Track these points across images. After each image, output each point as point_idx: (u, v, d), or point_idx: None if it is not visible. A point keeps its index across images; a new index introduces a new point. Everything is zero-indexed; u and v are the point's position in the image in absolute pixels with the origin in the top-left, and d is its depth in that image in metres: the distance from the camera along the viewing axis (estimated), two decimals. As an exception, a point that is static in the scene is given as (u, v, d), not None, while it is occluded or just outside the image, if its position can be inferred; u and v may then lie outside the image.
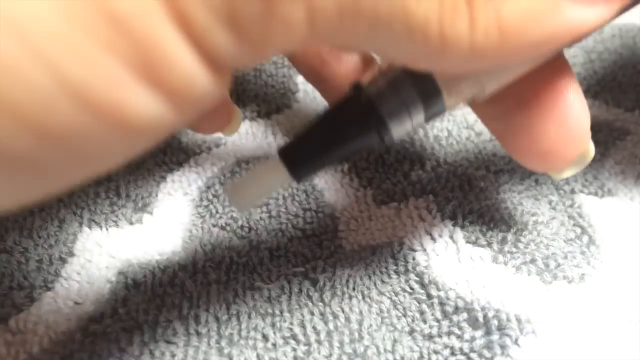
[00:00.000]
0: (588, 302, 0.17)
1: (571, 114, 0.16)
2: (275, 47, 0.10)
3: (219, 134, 0.23)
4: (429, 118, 0.14)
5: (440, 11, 0.11)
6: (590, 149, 0.17)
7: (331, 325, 0.17)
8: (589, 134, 0.16)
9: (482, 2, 0.11)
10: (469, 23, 0.11)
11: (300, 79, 0.26)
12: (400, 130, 0.14)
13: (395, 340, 0.16)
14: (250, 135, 0.24)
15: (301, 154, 0.14)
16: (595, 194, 0.21)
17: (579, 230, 0.20)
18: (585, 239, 0.19)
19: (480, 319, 0.16)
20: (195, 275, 0.18)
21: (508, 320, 0.16)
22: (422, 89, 0.14)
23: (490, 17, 0.11)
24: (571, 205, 0.20)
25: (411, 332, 0.17)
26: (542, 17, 0.12)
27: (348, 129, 0.14)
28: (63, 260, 0.19)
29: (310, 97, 0.26)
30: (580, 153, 0.16)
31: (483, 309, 0.17)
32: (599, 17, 0.13)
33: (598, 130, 0.24)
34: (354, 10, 0.10)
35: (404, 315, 0.17)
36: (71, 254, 0.19)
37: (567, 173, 0.16)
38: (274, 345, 0.16)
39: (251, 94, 0.26)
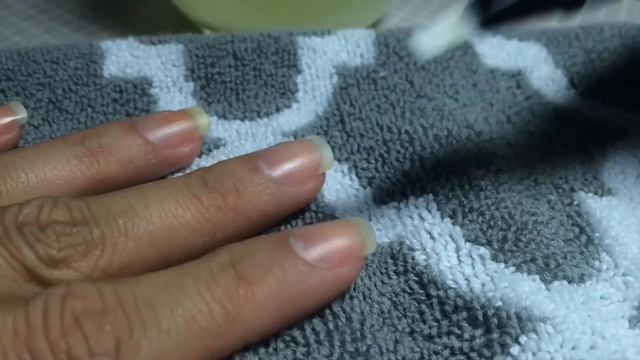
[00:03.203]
0: (588, 302, 0.17)
1: None
2: None
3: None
4: None
5: None
6: None
7: (331, 325, 0.16)
8: None
9: None
10: None
11: (300, 79, 0.26)
12: None
13: (396, 341, 0.16)
14: (250, 135, 0.24)
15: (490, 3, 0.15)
16: (595, 194, 0.21)
17: (577, 230, 0.20)
18: (583, 238, 0.19)
19: (480, 318, 0.16)
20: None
21: (508, 318, 0.16)
22: None
23: None
24: (570, 205, 0.20)
25: (412, 333, 0.17)
26: None
27: None
28: None
29: (310, 96, 0.26)
30: None
31: (483, 307, 0.17)
32: None
33: (598, 130, 0.24)
34: None
35: (404, 316, 0.17)
36: None
37: None
38: (275, 349, 0.16)
39: (251, 94, 0.26)
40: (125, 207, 0.17)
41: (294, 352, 0.16)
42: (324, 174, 0.20)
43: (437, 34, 0.16)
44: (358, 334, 0.16)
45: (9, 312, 0.13)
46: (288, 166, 0.19)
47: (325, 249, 0.16)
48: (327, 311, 0.17)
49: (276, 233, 0.17)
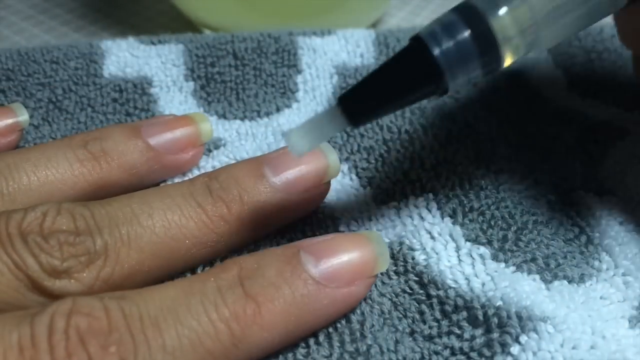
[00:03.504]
0: (588, 302, 0.17)
1: None
2: None
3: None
4: (486, 73, 0.15)
5: None
6: None
7: (330, 327, 0.17)
8: None
9: None
10: None
11: (300, 79, 0.26)
12: (456, 82, 0.15)
13: (397, 341, 0.16)
14: (250, 135, 0.24)
15: (359, 101, 0.15)
16: (595, 194, 0.21)
17: (577, 230, 0.20)
18: (583, 238, 0.19)
19: (480, 317, 0.16)
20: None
21: (509, 317, 0.16)
22: (482, 46, 0.15)
23: None
24: (570, 205, 0.20)
25: (412, 333, 0.17)
26: None
27: (405, 79, 0.15)
28: None
29: (310, 96, 0.26)
30: None
31: (483, 306, 0.17)
32: None
33: (598, 130, 0.24)
34: None
35: (405, 317, 0.17)
36: None
37: None
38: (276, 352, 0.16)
39: (251, 94, 0.26)
40: (129, 216, 0.17)
41: (294, 353, 0.16)
42: (329, 182, 0.20)
43: (309, 132, 0.15)
44: (358, 334, 0.16)
45: (14, 328, 0.13)
46: (294, 174, 0.19)
47: (336, 267, 0.16)
48: None
49: (286, 246, 0.17)
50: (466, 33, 0.14)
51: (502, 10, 0.14)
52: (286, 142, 0.15)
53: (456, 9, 0.15)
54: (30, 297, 0.15)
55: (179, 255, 0.17)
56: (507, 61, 0.15)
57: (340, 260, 0.16)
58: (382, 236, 0.17)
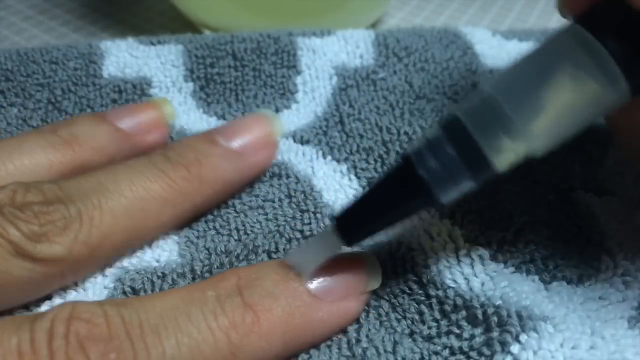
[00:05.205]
0: (587, 302, 0.17)
1: None
2: None
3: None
4: (480, 184, 0.15)
5: None
6: None
7: (327, 340, 0.17)
8: None
9: None
10: None
11: (299, 80, 0.26)
12: (449, 197, 0.15)
13: (395, 342, 0.16)
14: (249, 136, 0.24)
15: (354, 222, 0.16)
16: (594, 194, 0.21)
17: (576, 231, 0.19)
18: (582, 239, 0.19)
19: (480, 316, 0.16)
20: (194, 282, 0.18)
21: (509, 316, 0.16)
22: (470, 161, 0.15)
23: None
24: (569, 205, 0.20)
25: (411, 334, 0.17)
26: None
27: (397, 199, 0.16)
28: None
29: (309, 97, 0.26)
30: None
31: (482, 305, 0.17)
32: None
33: (598, 130, 0.24)
34: None
35: (404, 318, 0.17)
36: None
37: None
38: None
39: (250, 94, 0.26)
40: (96, 185, 0.18)
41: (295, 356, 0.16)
42: (277, 141, 0.22)
43: (308, 253, 0.16)
44: (354, 340, 0.16)
45: (13, 333, 0.13)
46: (244, 138, 0.21)
47: (331, 282, 0.16)
48: None
49: (282, 259, 0.17)
50: (451, 151, 0.15)
51: (493, 130, 0.14)
52: (288, 261, 0.17)
53: (443, 125, 0.15)
54: (15, 263, 0.16)
55: (150, 215, 0.18)
56: (503, 166, 0.15)
57: (335, 276, 0.17)
58: (374, 257, 0.18)
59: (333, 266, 0.17)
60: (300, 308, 0.16)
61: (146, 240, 0.19)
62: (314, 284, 0.16)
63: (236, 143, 0.21)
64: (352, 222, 0.16)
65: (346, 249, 0.17)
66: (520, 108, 0.14)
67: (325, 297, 0.16)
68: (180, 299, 0.15)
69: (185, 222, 0.20)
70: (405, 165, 0.15)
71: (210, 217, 0.20)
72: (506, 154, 0.15)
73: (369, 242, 0.19)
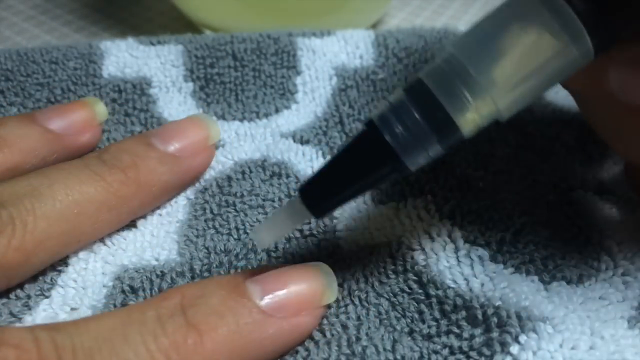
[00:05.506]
0: (587, 302, 0.17)
1: None
2: None
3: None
4: (447, 148, 0.14)
5: None
6: None
7: (328, 334, 0.17)
8: None
9: None
10: None
11: (299, 80, 0.26)
12: (416, 163, 0.14)
13: (395, 341, 0.16)
14: (249, 136, 0.24)
15: (320, 192, 0.15)
16: (594, 194, 0.21)
17: (576, 231, 0.19)
18: (582, 239, 0.19)
19: (480, 317, 0.16)
20: (193, 281, 0.18)
21: (508, 317, 0.16)
22: (436, 122, 0.14)
23: None
24: (569, 205, 0.20)
25: (411, 332, 0.17)
26: None
27: (363, 166, 0.15)
28: (59, 271, 0.18)
29: (309, 98, 0.26)
30: None
31: (482, 306, 0.17)
32: None
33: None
34: None
35: (403, 316, 0.17)
36: (66, 264, 0.19)
37: None
38: None
39: (250, 94, 0.26)
40: (28, 189, 0.17)
41: (294, 357, 0.16)
42: (214, 145, 0.22)
43: (273, 227, 0.16)
44: (354, 338, 0.16)
45: None
46: (180, 142, 0.20)
47: (282, 297, 0.16)
48: (324, 321, 0.17)
49: (232, 275, 0.17)
50: (416, 114, 0.14)
51: (455, 88, 0.14)
52: (252, 237, 0.16)
53: (406, 88, 0.14)
54: None
55: (86, 220, 0.18)
56: (469, 127, 0.14)
57: (287, 291, 0.16)
58: (329, 268, 0.17)
59: (285, 280, 0.16)
60: (248, 326, 0.15)
61: (83, 245, 0.19)
62: (265, 300, 0.15)
63: (172, 147, 0.20)
64: (318, 193, 0.15)
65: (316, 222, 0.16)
66: (481, 64, 0.14)
67: (277, 313, 0.15)
68: (118, 320, 0.14)
69: (123, 225, 0.20)
70: (369, 131, 0.15)
71: (210, 215, 0.20)
72: (471, 114, 0.14)
73: (368, 242, 0.19)
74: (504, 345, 0.16)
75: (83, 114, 0.22)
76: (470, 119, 0.14)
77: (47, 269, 0.18)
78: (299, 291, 0.16)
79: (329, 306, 0.17)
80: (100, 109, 0.23)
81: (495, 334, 0.16)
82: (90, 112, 0.22)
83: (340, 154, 0.15)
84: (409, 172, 0.15)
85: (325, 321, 0.17)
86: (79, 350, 0.13)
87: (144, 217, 0.21)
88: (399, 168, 0.14)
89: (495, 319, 0.16)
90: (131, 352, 0.14)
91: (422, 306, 0.17)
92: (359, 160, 0.15)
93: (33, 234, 0.17)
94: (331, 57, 0.27)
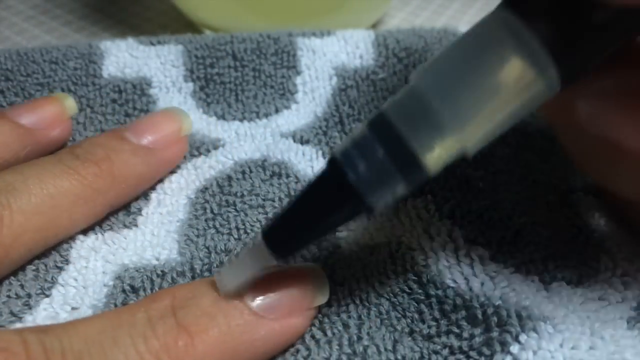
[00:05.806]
0: (587, 302, 0.17)
1: None
2: None
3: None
4: (411, 188, 0.14)
5: None
6: None
7: (329, 333, 0.17)
8: None
9: None
10: None
11: (299, 80, 0.26)
12: (382, 203, 0.14)
13: (395, 341, 0.16)
14: (249, 136, 0.24)
15: (283, 234, 0.15)
16: (594, 195, 0.21)
17: (576, 231, 0.19)
18: (582, 239, 0.19)
19: (480, 316, 0.16)
20: (194, 281, 0.18)
21: (508, 316, 0.16)
22: (401, 163, 0.13)
23: None
24: (569, 205, 0.20)
25: (411, 332, 0.17)
26: None
27: (325, 206, 0.14)
28: (59, 269, 0.18)
29: (309, 98, 0.26)
30: None
31: (482, 305, 0.17)
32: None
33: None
34: None
35: (404, 317, 0.17)
36: (67, 261, 0.19)
37: None
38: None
39: (250, 94, 0.26)
40: (2, 185, 0.17)
41: (295, 356, 0.16)
42: (186, 137, 0.22)
43: (237, 270, 0.15)
44: (355, 337, 0.16)
45: None
46: (153, 134, 0.21)
47: (274, 299, 0.16)
48: (325, 320, 0.17)
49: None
50: (380, 152, 0.13)
51: (419, 124, 0.13)
52: (216, 279, 0.15)
53: (370, 123, 0.14)
54: None
55: (62, 213, 0.18)
56: (436, 165, 0.13)
57: (279, 292, 0.16)
58: (321, 269, 0.17)
59: (276, 281, 0.16)
60: (239, 327, 0.15)
61: (61, 238, 0.19)
62: (256, 301, 0.15)
63: (146, 139, 0.21)
64: (280, 234, 0.15)
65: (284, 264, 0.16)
66: (447, 101, 0.13)
67: (268, 314, 0.15)
68: (107, 322, 0.14)
69: (100, 218, 0.20)
70: (332, 169, 0.14)
71: (210, 215, 0.20)
72: (437, 152, 0.13)
73: (368, 242, 0.19)
74: (504, 344, 0.16)
75: (53, 109, 0.22)
76: (438, 156, 0.13)
77: (48, 266, 0.18)
78: (290, 292, 0.16)
79: (329, 305, 0.17)
80: (70, 104, 0.23)
81: (495, 334, 0.16)
82: (60, 107, 0.22)
83: (302, 194, 0.15)
84: (373, 212, 0.14)
85: (326, 320, 0.17)
86: (68, 353, 0.13)
87: (144, 216, 0.21)
88: (362, 208, 0.14)
89: (495, 319, 0.16)
90: (121, 354, 0.14)
91: (422, 306, 0.17)
92: (321, 200, 0.14)
93: (11, 228, 0.17)
94: (331, 57, 0.27)
